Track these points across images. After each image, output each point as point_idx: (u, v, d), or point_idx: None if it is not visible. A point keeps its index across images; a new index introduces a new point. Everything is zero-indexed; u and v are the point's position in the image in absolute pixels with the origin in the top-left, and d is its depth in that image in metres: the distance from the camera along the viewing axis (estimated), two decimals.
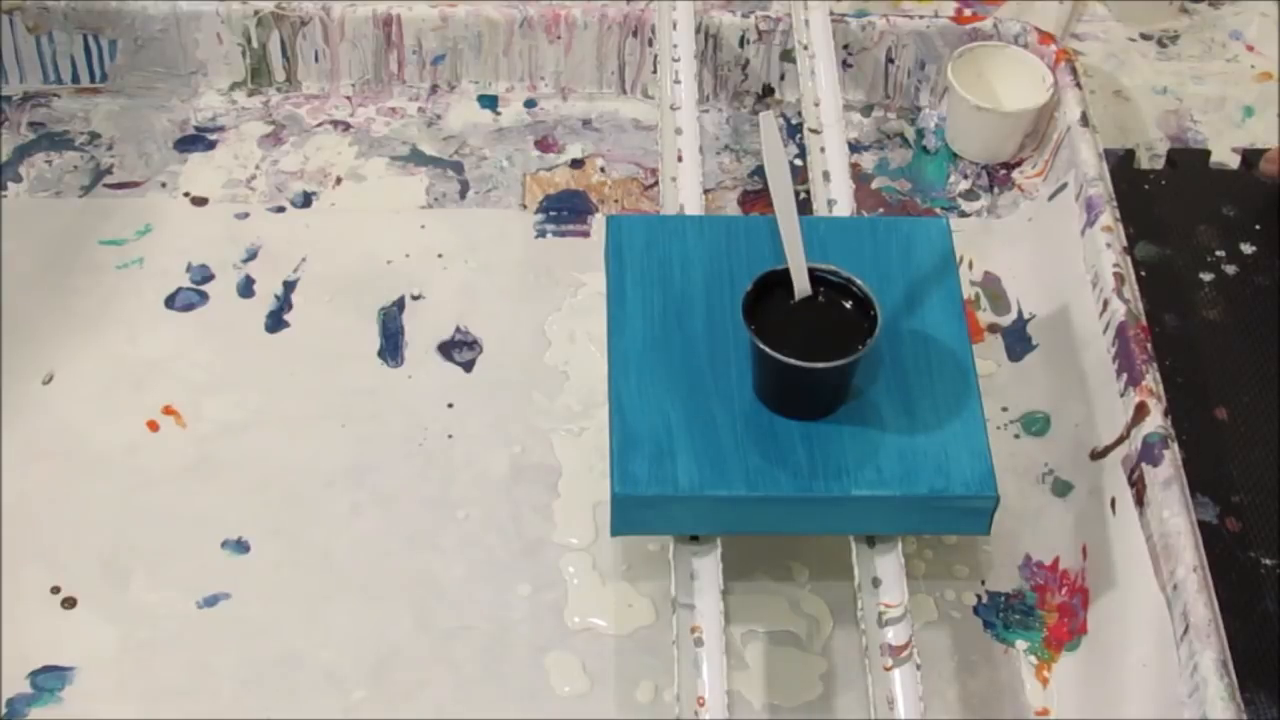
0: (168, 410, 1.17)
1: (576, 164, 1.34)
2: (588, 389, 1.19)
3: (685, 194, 1.19)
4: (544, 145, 1.36)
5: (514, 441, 1.16)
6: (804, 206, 1.19)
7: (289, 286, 1.25)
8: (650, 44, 1.36)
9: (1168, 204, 1.29)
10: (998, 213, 1.31)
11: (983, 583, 1.10)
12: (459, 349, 1.22)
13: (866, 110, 1.39)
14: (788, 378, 1.00)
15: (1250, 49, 1.45)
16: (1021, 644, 1.07)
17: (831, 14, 1.33)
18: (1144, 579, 1.02)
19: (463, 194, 1.32)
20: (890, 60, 1.37)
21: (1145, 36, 1.46)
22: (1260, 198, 1.30)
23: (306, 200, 1.31)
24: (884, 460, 1.01)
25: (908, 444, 1.02)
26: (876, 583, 1.02)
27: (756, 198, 1.32)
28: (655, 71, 1.33)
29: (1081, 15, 1.46)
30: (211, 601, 1.08)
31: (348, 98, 1.38)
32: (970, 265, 1.27)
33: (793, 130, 1.35)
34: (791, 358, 0.98)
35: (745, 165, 1.35)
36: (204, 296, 1.24)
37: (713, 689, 0.96)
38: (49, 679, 1.04)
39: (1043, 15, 1.42)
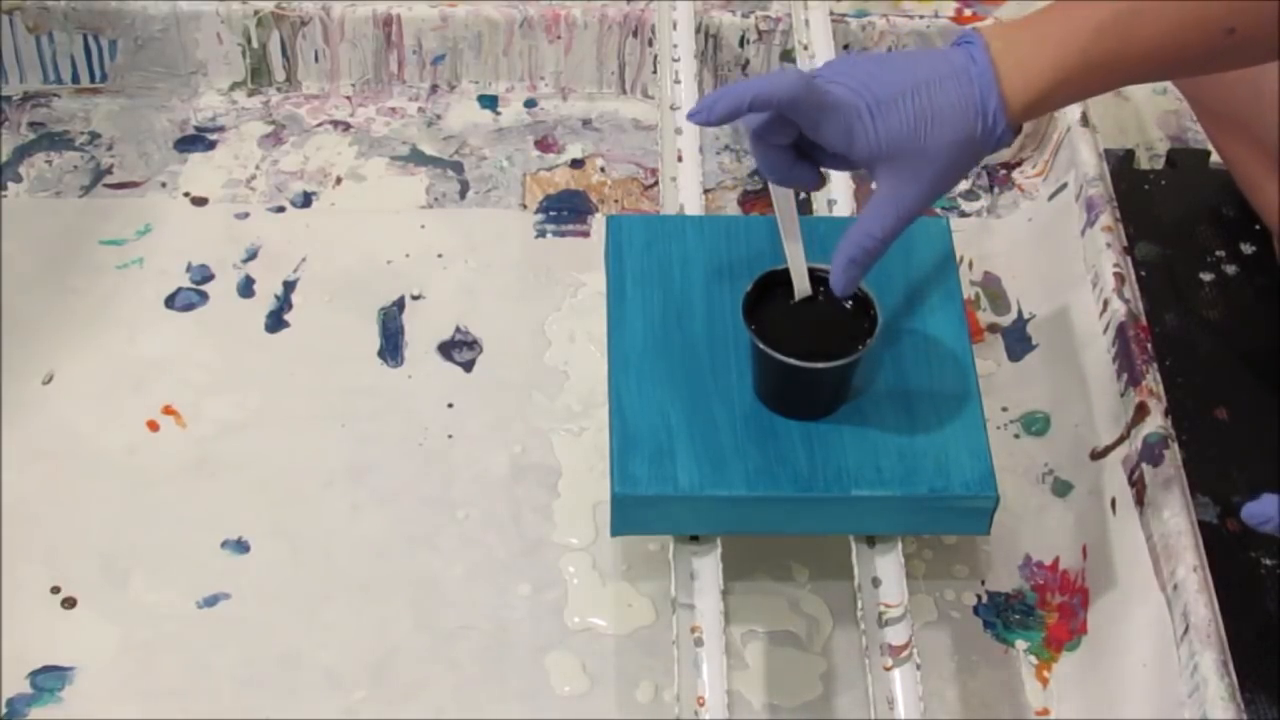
0: (168, 410, 1.17)
1: (576, 164, 1.34)
2: (588, 389, 1.19)
3: (685, 194, 1.19)
4: (544, 145, 1.36)
5: (514, 441, 1.16)
6: (804, 206, 1.19)
7: (289, 286, 1.25)
8: (650, 44, 1.36)
9: (1168, 204, 1.29)
10: (998, 213, 1.31)
11: (983, 583, 1.10)
12: (459, 349, 1.22)
13: None
14: (788, 378, 1.00)
15: None
16: (1021, 644, 1.07)
17: (831, 14, 1.33)
18: (1144, 579, 1.02)
19: (463, 194, 1.32)
20: None
21: None
22: None
23: (306, 200, 1.31)
24: (884, 460, 1.01)
25: (908, 444, 1.02)
26: (876, 583, 1.02)
27: (756, 198, 1.32)
28: (655, 71, 1.33)
29: None
30: (211, 601, 1.08)
31: (348, 98, 1.38)
32: (970, 265, 1.27)
33: None
34: (791, 358, 0.98)
35: (745, 165, 1.35)
36: (204, 296, 1.24)
37: (713, 689, 0.96)
38: (49, 679, 1.04)
39: None
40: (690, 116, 0.92)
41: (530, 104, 1.39)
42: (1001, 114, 0.90)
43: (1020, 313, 1.24)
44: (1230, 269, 1.25)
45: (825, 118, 0.90)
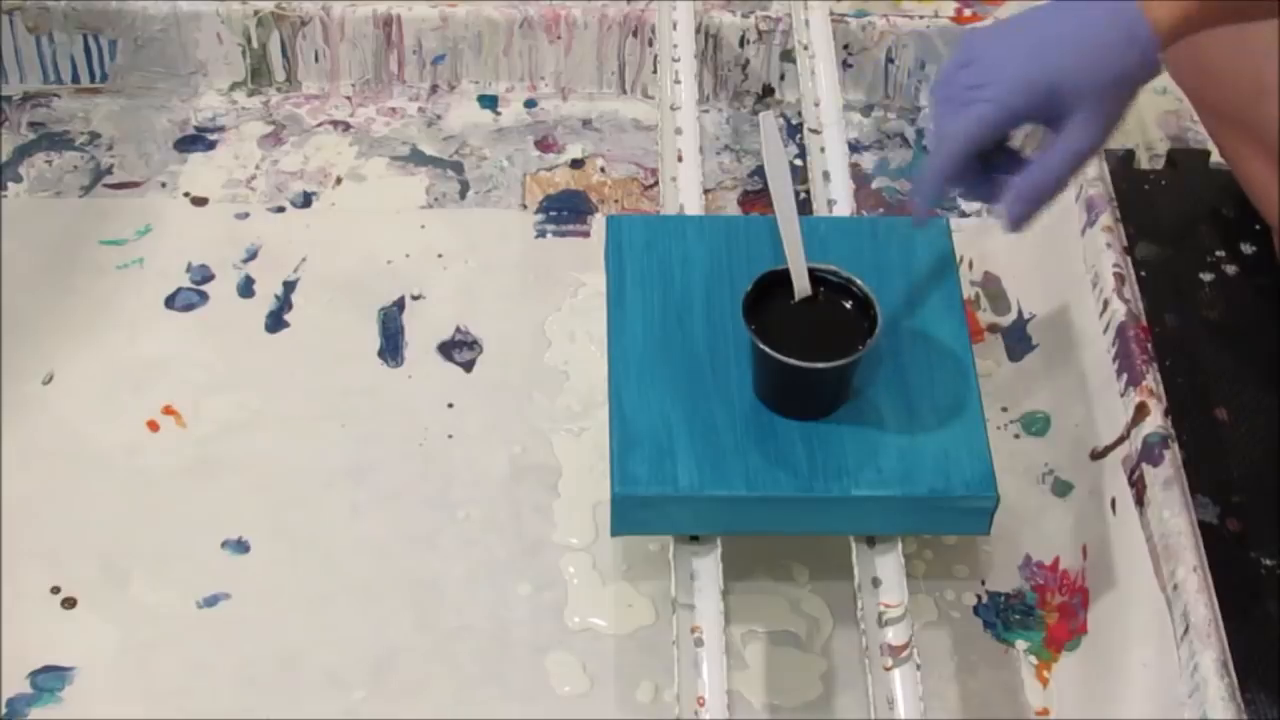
0: (168, 410, 1.17)
1: (576, 164, 1.34)
2: (588, 389, 1.19)
3: (685, 194, 1.19)
4: (544, 145, 1.36)
5: (514, 441, 1.16)
6: (804, 206, 1.19)
7: (289, 286, 1.25)
8: (650, 44, 1.36)
9: (1168, 204, 1.29)
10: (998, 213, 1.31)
11: (983, 583, 1.10)
12: (459, 349, 1.22)
13: (866, 110, 1.39)
14: (788, 378, 1.00)
15: None
16: (1021, 644, 1.07)
17: (831, 14, 1.33)
18: (1144, 579, 1.02)
19: (463, 194, 1.32)
20: (890, 60, 1.37)
21: None
22: None
23: (306, 200, 1.31)
24: (884, 460, 1.01)
25: (908, 444, 1.02)
26: (876, 583, 1.02)
27: (756, 198, 1.32)
28: (655, 71, 1.33)
29: None
30: (211, 601, 1.08)
31: (348, 98, 1.38)
32: (970, 265, 1.27)
33: (793, 130, 1.35)
34: (791, 358, 0.98)
35: (745, 165, 1.35)
36: (204, 296, 1.24)
37: (713, 689, 0.96)
38: (49, 679, 1.04)
39: None
40: (917, 220, 0.98)
41: (530, 104, 1.39)
42: (1153, 44, 0.91)
43: (1020, 313, 1.24)
44: (1230, 269, 1.25)
45: (996, 132, 0.94)
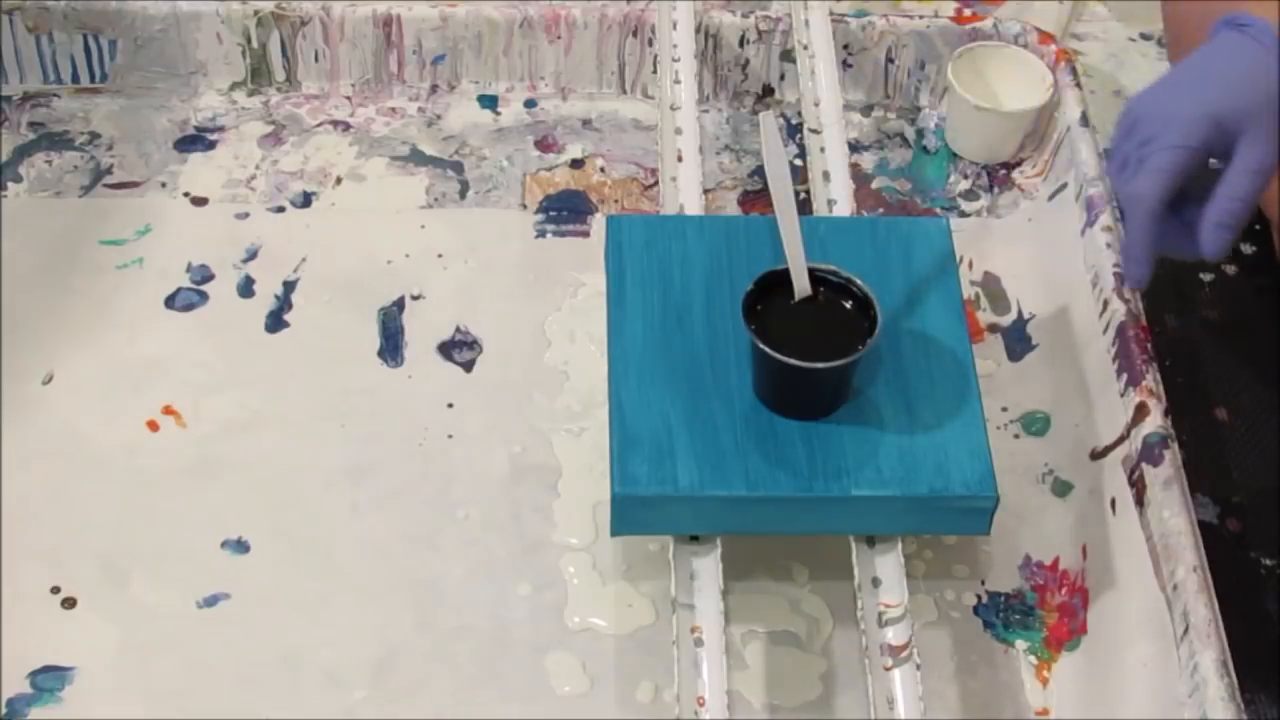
0: (168, 410, 1.17)
1: (576, 164, 1.34)
2: (588, 389, 1.19)
3: (685, 194, 1.19)
4: (544, 145, 1.36)
5: (514, 441, 1.16)
6: (804, 206, 1.19)
7: (289, 286, 1.25)
8: (650, 44, 1.36)
9: None
10: (998, 213, 1.31)
11: (983, 583, 1.10)
12: (459, 349, 1.22)
13: (866, 110, 1.39)
14: (788, 378, 1.00)
15: None
16: (1021, 644, 1.07)
17: (831, 14, 1.33)
18: (1144, 579, 1.02)
19: (463, 194, 1.32)
20: (890, 60, 1.37)
21: (1145, 36, 1.46)
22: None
23: (306, 200, 1.31)
24: (884, 460, 1.01)
25: (908, 444, 1.02)
26: (876, 583, 1.02)
27: (756, 198, 1.32)
28: (655, 71, 1.33)
29: (1081, 15, 1.46)
30: (211, 601, 1.08)
31: (348, 98, 1.38)
32: (970, 265, 1.27)
33: (793, 130, 1.35)
34: (791, 358, 0.98)
35: (745, 165, 1.35)
36: (204, 296, 1.24)
37: (713, 689, 0.96)
38: (49, 679, 1.04)
39: (1043, 15, 1.42)
40: (1135, 285, 1.01)
41: (530, 104, 1.39)
42: None
43: (1020, 313, 1.24)
44: (1230, 269, 1.25)
45: (1179, 178, 0.96)
